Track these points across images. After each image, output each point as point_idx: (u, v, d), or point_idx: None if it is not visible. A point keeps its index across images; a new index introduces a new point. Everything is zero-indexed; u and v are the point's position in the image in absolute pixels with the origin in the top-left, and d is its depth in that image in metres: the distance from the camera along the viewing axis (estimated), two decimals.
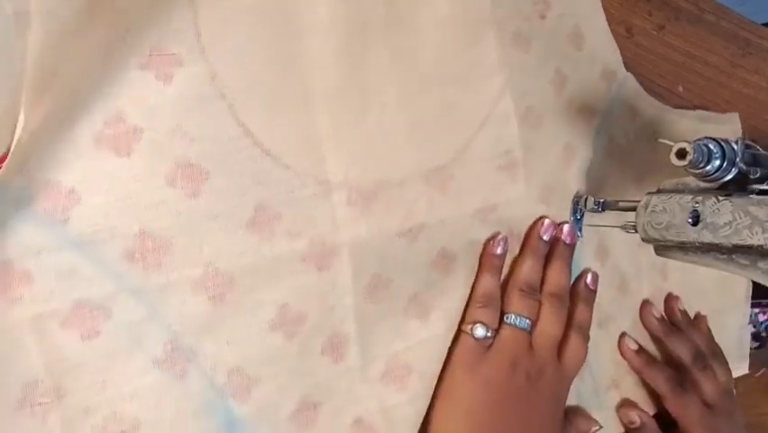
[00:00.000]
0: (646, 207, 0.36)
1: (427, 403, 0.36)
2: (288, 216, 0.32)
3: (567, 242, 0.41)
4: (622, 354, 0.49)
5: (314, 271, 0.33)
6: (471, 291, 0.38)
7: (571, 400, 0.45)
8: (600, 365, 0.47)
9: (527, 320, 0.38)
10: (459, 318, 0.38)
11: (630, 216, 0.38)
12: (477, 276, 0.38)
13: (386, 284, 0.35)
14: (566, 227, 0.41)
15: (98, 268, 0.29)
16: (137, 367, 0.29)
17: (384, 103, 0.35)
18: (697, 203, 0.33)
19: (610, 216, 0.45)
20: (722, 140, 0.32)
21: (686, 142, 0.31)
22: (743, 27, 0.56)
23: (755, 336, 0.59)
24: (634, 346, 0.49)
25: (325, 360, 0.34)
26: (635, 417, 0.48)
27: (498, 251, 0.39)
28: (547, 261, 0.41)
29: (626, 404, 0.49)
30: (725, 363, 0.51)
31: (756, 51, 0.57)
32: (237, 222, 0.31)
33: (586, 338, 0.41)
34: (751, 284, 0.57)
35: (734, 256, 0.32)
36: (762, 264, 0.31)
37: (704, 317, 0.54)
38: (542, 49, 0.41)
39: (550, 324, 0.39)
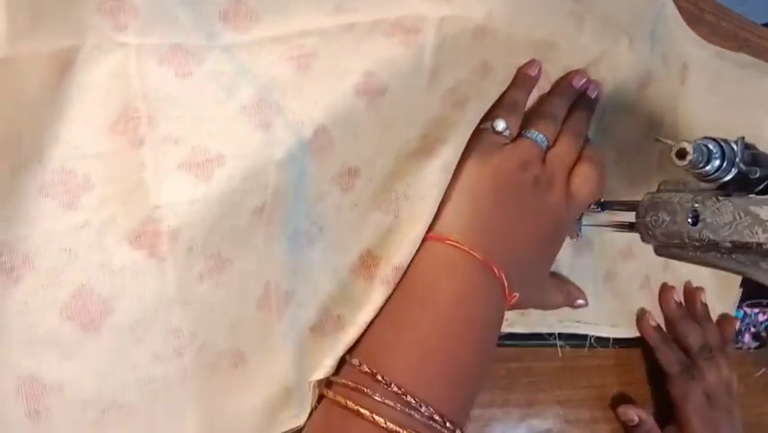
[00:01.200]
0: (646, 207, 0.37)
1: (445, 180, 0.36)
2: (369, 6, 0.35)
3: (592, 97, 0.42)
4: (640, 328, 0.50)
5: (398, 46, 0.34)
6: (498, 100, 0.39)
7: (564, 271, 0.45)
8: (601, 251, 0.48)
9: (545, 139, 0.39)
10: None
11: (630, 215, 0.39)
12: (507, 89, 0.39)
13: (440, 71, 0.36)
14: (593, 85, 0.42)
15: (196, 21, 0.31)
16: (225, 111, 0.31)
17: None
18: (697, 203, 0.33)
19: (610, 216, 0.45)
20: (721, 140, 0.32)
21: (686, 142, 0.31)
22: (743, 27, 0.56)
23: (755, 336, 0.59)
24: (653, 323, 0.50)
25: (379, 131, 0.35)
26: (633, 415, 0.49)
27: (533, 72, 0.40)
28: (571, 109, 0.42)
29: (624, 403, 0.49)
30: (731, 363, 0.51)
31: (756, 51, 0.57)
32: (323, 6, 0.34)
33: (598, 168, 0.40)
34: (741, 289, 0.57)
35: (734, 256, 0.32)
36: (762, 264, 0.31)
37: (732, 320, 0.55)
38: None
39: (565, 149, 0.39)
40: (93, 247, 0.28)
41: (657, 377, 0.51)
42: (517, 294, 0.36)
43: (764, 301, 0.58)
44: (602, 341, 0.49)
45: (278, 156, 0.31)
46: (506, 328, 0.44)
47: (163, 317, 0.29)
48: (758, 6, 0.70)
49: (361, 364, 0.31)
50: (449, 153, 0.36)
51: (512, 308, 0.38)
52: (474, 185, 0.36)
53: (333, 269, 0.35)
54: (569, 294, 0.43)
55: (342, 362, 0.33)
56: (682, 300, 0.53)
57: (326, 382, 0.33)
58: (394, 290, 0.34)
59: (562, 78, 0.42)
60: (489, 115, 0.38)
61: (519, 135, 0.39)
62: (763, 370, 0.59)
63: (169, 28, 0.31)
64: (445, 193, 0.35)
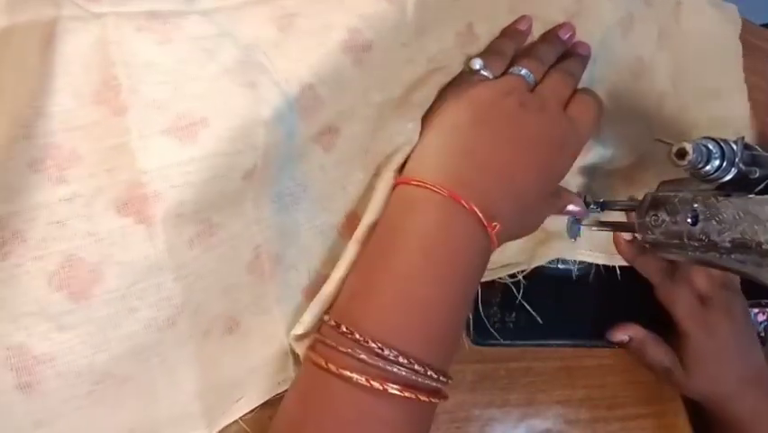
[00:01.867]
0: (646, 207, 0.37)
1: None
2: None
3: (582, 54, 0.42)
4: (615, 245, 0.47)
5: (382, 2, 0.34)
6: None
7: None
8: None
9: (530, 74, 0.37)
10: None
11: (630, 216, 0.39)
12: (494, 40, 0.39)
13: (424, 30, 0.36)
14: (582, 44, 0.42)
15: None
16: (208, 74, 0.30)
17: None
18: (697, 203, 0.33)
19: (610, 216, 0.45)
20: (721, 140, 0.32)
21: (686, 142, 0.31)
22: (742, 27, 0.56)
23: None
24: (627, 237, 0.48)
25: (363, 88, 0.35)
26: (623, 336, 0.48)
27: (523, 27, 0.39)
28: (560, 60, 0.40)
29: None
30: None
31: (755, 52, 0.57)
32: None
33: (596, 99, 0.39)
34: None
35: (734, 255, 0.32)
36: (763, 264, 0.31)
37: None
38: None
39: (555, 83, 0.38)
40: (81, 217, 0.28)
41: (658, 377, 0.51)
42: (498, 224, 0.33)
43: (764, 301, 0.58)
44: (600, 341, 0.50)
45: (265, 115, 0.31)
46: (513, 269, 0.44)
47: (154, 283, 0.29)
48: (758, 6, 0.70)
49: (329, 320, 0.31)
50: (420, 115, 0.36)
51: (509, 238, 0.36)
52: (447, 120, 0.35)
53: (319, 230, 0.35)
54: (568, 201, 0.41)
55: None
56: None
57: (312, 342, 0.33)
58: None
59: (548, 31, 0.41)
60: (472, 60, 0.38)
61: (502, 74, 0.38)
62: None
63: None
64: (424, 131, 0.35)
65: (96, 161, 0.29)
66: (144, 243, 0.29)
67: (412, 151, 0.36)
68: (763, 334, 0.59)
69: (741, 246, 0.31)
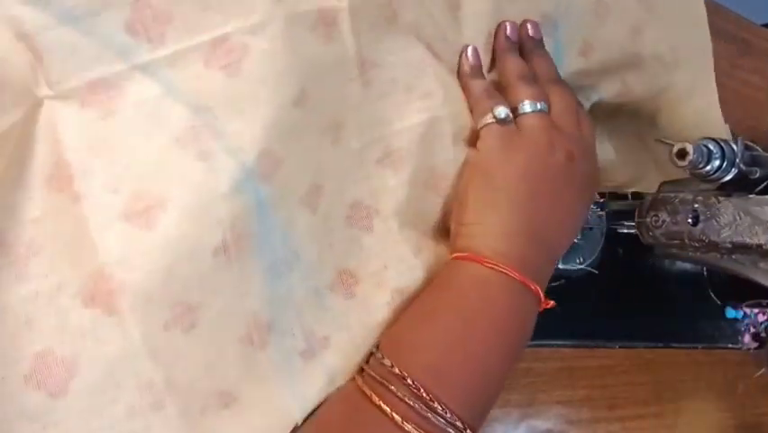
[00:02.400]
0: (647, 207, 0.37)
1: (417, 191, 0.36)
2: None
3: (536, 37, 0.39)
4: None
5: (321, 43, 0.32)
6: (468, 98, 0.37)
7: None
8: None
9: (545, 104, 0.36)
10: (456, 103, 0.37)
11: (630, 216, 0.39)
12: (464, 87, 0.37)
13: (374, 64, 0.35)
14: (528, 24, 0.39)
15: (101, 44, 0.28)
16: (158, 145, 0.29)
17: None
18: (697, 203, 0.33)
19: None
20: (722, 140, 0.32)
21: (686, 142, 0.31)
22: (742, 27, 0.56)
23: (755, 337, 0.59)
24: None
25: (328, 140, 0.34)
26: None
27: (474, 62, 0.37)
28: (529, 60, 0.39)
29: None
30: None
31: (755, 52, 0.57)
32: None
33: (580, 105, 0.40)
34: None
35: (734, 256, 0.32)
36: (762, 264, 0.31)
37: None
38: None
39: (566, 102, 0.37)
40: (49, 313, 0.27)
41: (659, 377, 0.51)
42: (553, 302, 0.35)
43: (764, 301, 0.58)
44: (600, 341, 0.49)
45: (223, 188, 0.29)
46: None
47: (132, 372, 0.28)
48: (758, 6, 0.70)
49: (383, 357, 0.31)
50: (411, 166, 0.35)
51: None
52: (504, 189, 0.34)
53: (313, 290, 0.34)
54: None
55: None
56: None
57: (359, 370, 0.33)
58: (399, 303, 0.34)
59: (496, 39, 0.39)
60: (476, 113, 0.36)
61: (519, 115, 0.36)
62: (762, 370, 0.59)
63: (76, 63, 0.28)
64: (474, 200, 0.35)
65: (56, 252, 0.28)
66: (116, 333, 0.28)
67: (460, 213, 0.35)
68: (763, 334, 0.59)
69: (741, 247, 0.31)
